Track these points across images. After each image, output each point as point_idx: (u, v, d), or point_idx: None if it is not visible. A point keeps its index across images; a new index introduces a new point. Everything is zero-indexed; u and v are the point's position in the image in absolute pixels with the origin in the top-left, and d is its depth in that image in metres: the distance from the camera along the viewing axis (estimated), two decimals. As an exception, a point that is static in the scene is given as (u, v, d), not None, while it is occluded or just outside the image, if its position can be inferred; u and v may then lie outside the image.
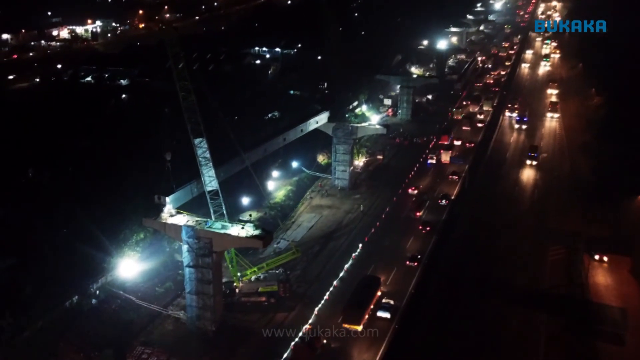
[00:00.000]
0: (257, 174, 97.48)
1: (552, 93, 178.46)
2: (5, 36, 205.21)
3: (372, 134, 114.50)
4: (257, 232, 63.88)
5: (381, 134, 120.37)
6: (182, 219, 66.41)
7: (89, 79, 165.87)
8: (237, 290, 73.78)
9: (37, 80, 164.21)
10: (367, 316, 68.58)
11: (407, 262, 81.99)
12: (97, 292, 70.26)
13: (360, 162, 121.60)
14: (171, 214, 66.95)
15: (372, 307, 69.96)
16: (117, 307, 69.97)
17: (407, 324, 68.50)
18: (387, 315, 69.08)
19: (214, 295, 66.57)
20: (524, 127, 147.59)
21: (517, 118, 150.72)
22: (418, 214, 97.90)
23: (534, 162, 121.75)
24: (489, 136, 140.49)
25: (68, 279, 68.71)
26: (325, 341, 65.38)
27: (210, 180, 67.83)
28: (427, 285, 76.63)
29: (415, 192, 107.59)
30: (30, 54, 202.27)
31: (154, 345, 65.13)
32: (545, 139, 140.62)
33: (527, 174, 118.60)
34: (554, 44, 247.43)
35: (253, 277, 75.19)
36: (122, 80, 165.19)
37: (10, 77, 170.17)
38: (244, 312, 71.72)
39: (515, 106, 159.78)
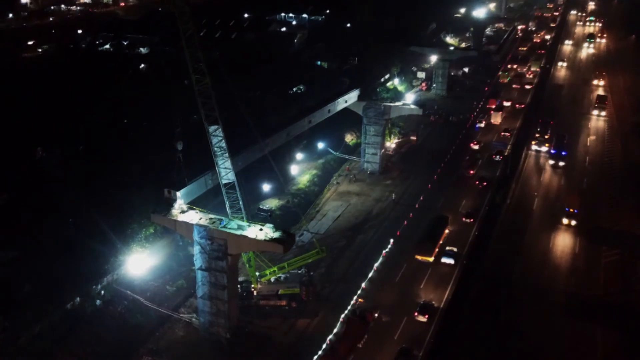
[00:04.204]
0: (280, 156, 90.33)
1: (599, 84, 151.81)
2: (24, 0, 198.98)
3: (406, 114, 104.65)
4: (277, 234, 56.34)
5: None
6: (194, 216, 59.19)
7: (107, 46, 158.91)
8: (254, 293, 66.77)
9: (39, 50, 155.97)
10: (437, 250, 74.97)
11: (463, 219, 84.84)
12: (102, 292, 63.91)
13: (391, 143, 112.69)
14: (182, 210, 59.75)
15: (441, 242, 76.94)
16: (124, 309, 63.60)
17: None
18: (451, 261, 73.63)
19: (228, 301, 59.74)
20: (561, 164, 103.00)
21: (552, 151, 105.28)
22: (471, 172, 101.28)
23: (573, 222, 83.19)
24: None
25: (71, 276, 62.34)
26: (376, 315, 63.75)
27: (226, 172, 60.22)
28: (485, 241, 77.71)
29: (477, 147, 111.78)
30: (50, 19, 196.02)
31: (162, 355, 59.10)
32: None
33: (563, 244, 79.57)
34: (599, 23, 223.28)
35: (273, 278, 67.96)
36: (141, 49, 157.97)
37: (30, 42, 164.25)
38: (262, 316, 64.98)
39: (546, 137, 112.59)
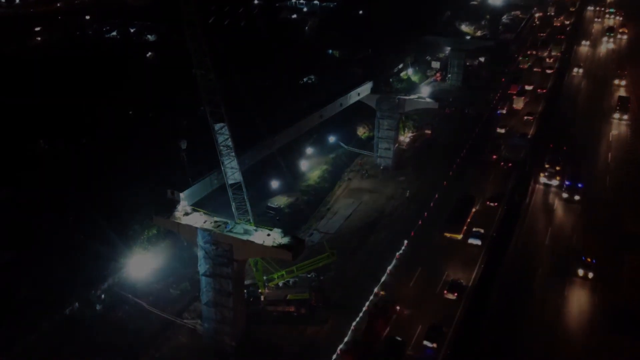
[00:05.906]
0: (289, 151, 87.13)
1: (620, 84, 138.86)
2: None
3: (421, 107, 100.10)
4: (285, 240, 53.10)
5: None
6: (198, 219, 56.05)
7: (114, 33, 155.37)
8: (262, 298, 63.73)
9: (39, 39, 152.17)
10: (465, 227, 77.88)
11: (487, 202, 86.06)
12: (103, 296, 61.16)
13: (405, 137, 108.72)
14: (186, 212, 56.66)
15: (469, 220, 79.71)
16: (125, 314, 60.86)
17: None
18: (478, 242, 75.28)
19: (234, 308, 56.76)
20: (576, 198, 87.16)
21: (567, 183, 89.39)
22: (494, 157, 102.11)
23: (590, 274, 69.41)
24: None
25: (70, 279, 59.70)
26: (398, 307, 63.64)
27: (232, 172, 56.90)
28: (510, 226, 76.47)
29: (503, 130, 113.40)
30: (57, 5, 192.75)
31: (164, 363, 56.36)
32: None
33: (579, 305, 65.05)
34: (619, 17, 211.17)
35: (281, 283, 64.83)
36: (149, 36, 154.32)
37: (37, 28, 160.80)
38: (270, 323, 62.01)
39: (557, 168, 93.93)
